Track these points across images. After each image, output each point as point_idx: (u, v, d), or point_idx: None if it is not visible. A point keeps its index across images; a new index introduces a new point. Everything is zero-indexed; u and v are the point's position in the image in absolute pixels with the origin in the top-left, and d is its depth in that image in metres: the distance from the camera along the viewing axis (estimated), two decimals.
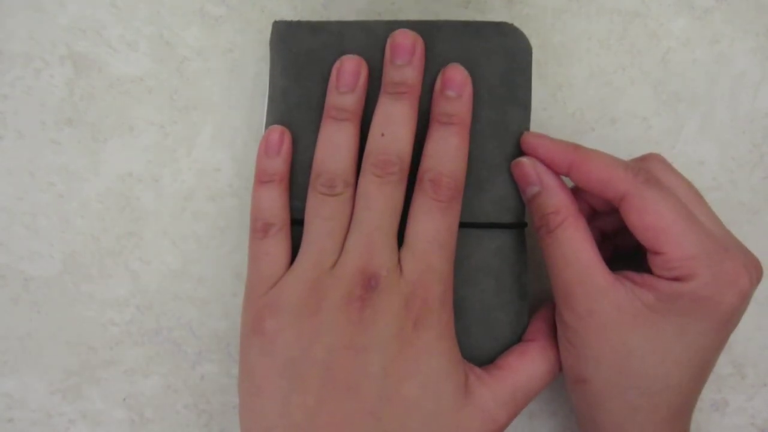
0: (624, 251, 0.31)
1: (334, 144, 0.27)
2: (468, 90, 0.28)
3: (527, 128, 0.29)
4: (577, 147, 0.28)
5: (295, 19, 0.29)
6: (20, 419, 0.33)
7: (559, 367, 0.28)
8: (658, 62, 0.33)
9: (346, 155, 0.27)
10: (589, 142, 0.33)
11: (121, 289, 0.32)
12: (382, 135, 0.27)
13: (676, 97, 0.33)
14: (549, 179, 0.28)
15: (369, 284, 0.26)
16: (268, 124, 0.29)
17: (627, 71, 0.33)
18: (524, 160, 0.28)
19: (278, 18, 0.29)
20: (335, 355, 0.25)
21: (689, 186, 0.28)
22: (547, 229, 0.27)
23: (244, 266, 0.32)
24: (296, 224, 0.28)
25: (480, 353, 0.29)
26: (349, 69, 0.28)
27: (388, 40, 0.28)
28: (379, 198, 0.27)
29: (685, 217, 0.26)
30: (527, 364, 0.28)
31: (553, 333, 0.29)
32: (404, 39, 0.28)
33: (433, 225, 0.26)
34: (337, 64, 0.28)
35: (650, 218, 0.26)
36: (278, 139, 0.28)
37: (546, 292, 0.32)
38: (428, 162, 0.27)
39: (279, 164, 0.28)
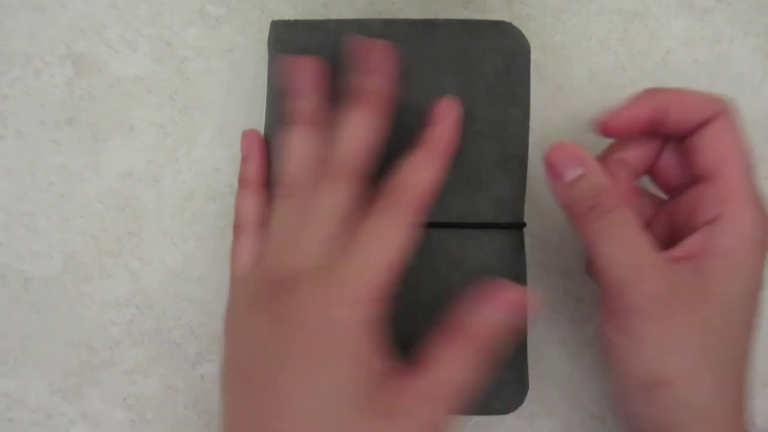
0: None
1: (289, 150, 0.28)
2: (451, 119, 0.28)
3: (526, 128, 0.29)
4: (653, 92, 0.27)
5: (295, 19, 0.29)
6: (20, 419, 0.33)
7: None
8: (658, 62, 0.33)
9: (299, 159, 0.27)
10: (589, 142, 0.33)
11: (121, 289, 0.32)
12: (334, 140, 0.27)
13: None
14: (593, 161, 0.26)
15: (278, 286, 0.25)
16: (267, 123, 0.29)
17: (627, 71, 0.33)
18: (565, 142, 0.27)
19: (278, 18, 0.29)
20: (251, 356, 0.25)
21: None
22: (602, 209, 0.25)
23: None
24: None
25: None
26: (300, 72, 0.28)
27: (355, 48, 0.28)
28: (321, 199, 0.26)
29: (747, 159, 0.26)
30: (451, 367, 0.25)
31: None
32: (368, 48, 0.27)
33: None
34: (288, 65, 0.28)
35: (727, 145, 0.26)
36: (246, 144, 0.29)
37: (546, 292, 0.32)
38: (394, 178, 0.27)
39: (247, 169, 0.29)
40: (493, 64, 0.29)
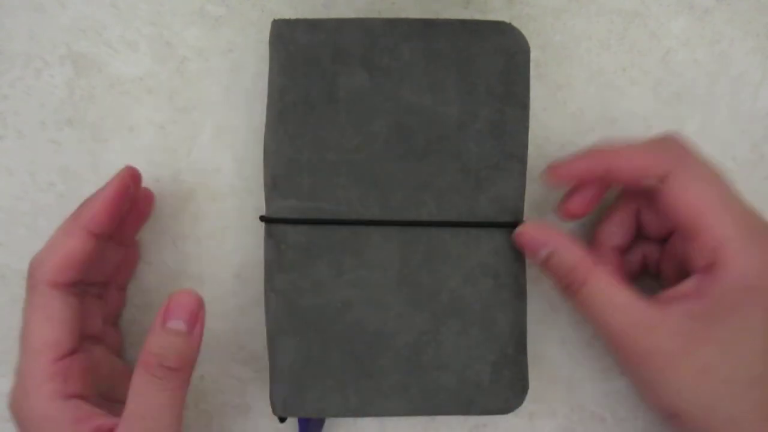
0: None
1: None
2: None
3: (526, 128, 0.29)
4: (602, 148, 0.27)
5: (296, 18, 0.29)
6: None
7: (180, 377, 0.26)
8: (658, 62, 0.33)
9: None
10: (589, 142, 0.33)
11: None
12: None
13: (676, 97, 0.33)
14: (558, 237, 0.27)
15: None
16: (267, 122, 0.29)
17: (627, 71, 0.33)
18: (526, 226, 0.28)
19: (278, 18, 0.29)
20: None
21: (711, 162, 0.27)
22: (572, 289, 0.27)
23: (244, 266, 0.32)
24: (295, 223, 0.28)
25: (479, 352, 0.29)
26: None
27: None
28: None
29: (723, 196, 0.25)
30: (138, 397, 0.25)
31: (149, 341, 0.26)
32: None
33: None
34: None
35: (691, 197, 0.25)
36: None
37: (545, 292, 0.32)
38: None
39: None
40: (493, 64, 0.29)
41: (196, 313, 0.26)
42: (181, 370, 0.25)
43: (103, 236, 0.27)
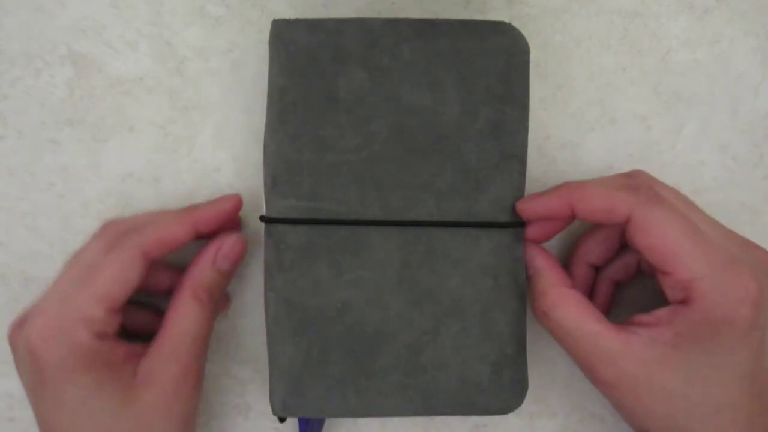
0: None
1: None
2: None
3: (526, 128, 0.29)
4: (568, 186, 0.28)
5: (296, 18, 0.29)
6: (21, 419, 0.33)
7: (212, 302, 0.29)
8: (658, 62, 0.33)
9: None
10: (589, 142, 0.33)
11: None
12: None
13: (676, 97, 0.33)
14: (537, 261, 0.29)
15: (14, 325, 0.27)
16: (267, 122, 0.29)
17: (627, 71, 0.33)
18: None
19: (278, 18, 0.29)
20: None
21: (680, 194, 0.28)
22: (540, 311, 0.28)
23: (244, 266, 0.32)
24: (295, 223, 0.28)
25: (479, 353, 0.29)
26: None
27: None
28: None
29: (690, 235, 0.25)
30: (180, 313, 0.28)
31: (205, 272, 0.29)
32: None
33: None
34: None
35: (656, 239, 0.26)
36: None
37: None
38: None
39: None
40: (492, 64, 0.29)
41: (240, 259, 0.30)
42: (216, 303, 0.30)
43: (199, 236, 0.30)
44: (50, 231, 0.32)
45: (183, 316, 0.28)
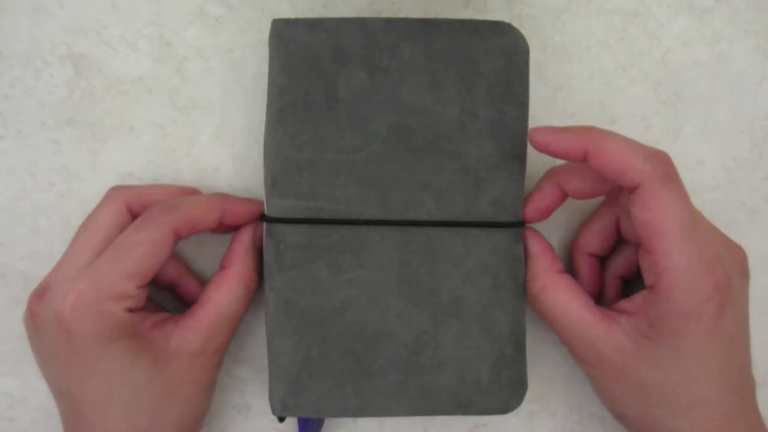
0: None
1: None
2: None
3: (525, 128, 0.29)
4: (590, 131, 0.27)
5: (296, 17, 0.29)
6: (21, 418, 0.33)
7: (256, 287, 0.30)
8: (658, 62, 0.33)
9: None
10: None
11: None
12: None
13: (676, 97, 0.33)
14: (532, 245, 0.29)
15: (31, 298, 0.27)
16: (267, 122, 0.29)
17: (627, 71, 0.33)
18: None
19: (278, 18, 0.29)
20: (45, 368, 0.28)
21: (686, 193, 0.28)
22: (531, 295, 0.29)
23: None
24: (295, 223, 0.28)
25: (478, 352, 0.29)
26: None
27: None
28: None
29: (685, 225, 0.25)
30: (225, 293, 0.29)
31: (249, 256, 0.30)
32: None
33: None
34: None
35: (654, 215, 0.25)
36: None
37: None
38: None
39: None
40: (492, 64, 0.29)
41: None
42: (256, 288, 0.31)
43: (224, 227, 0.30)
44: (50, 231, 0.32)
45: (227, 296, 0.29)
